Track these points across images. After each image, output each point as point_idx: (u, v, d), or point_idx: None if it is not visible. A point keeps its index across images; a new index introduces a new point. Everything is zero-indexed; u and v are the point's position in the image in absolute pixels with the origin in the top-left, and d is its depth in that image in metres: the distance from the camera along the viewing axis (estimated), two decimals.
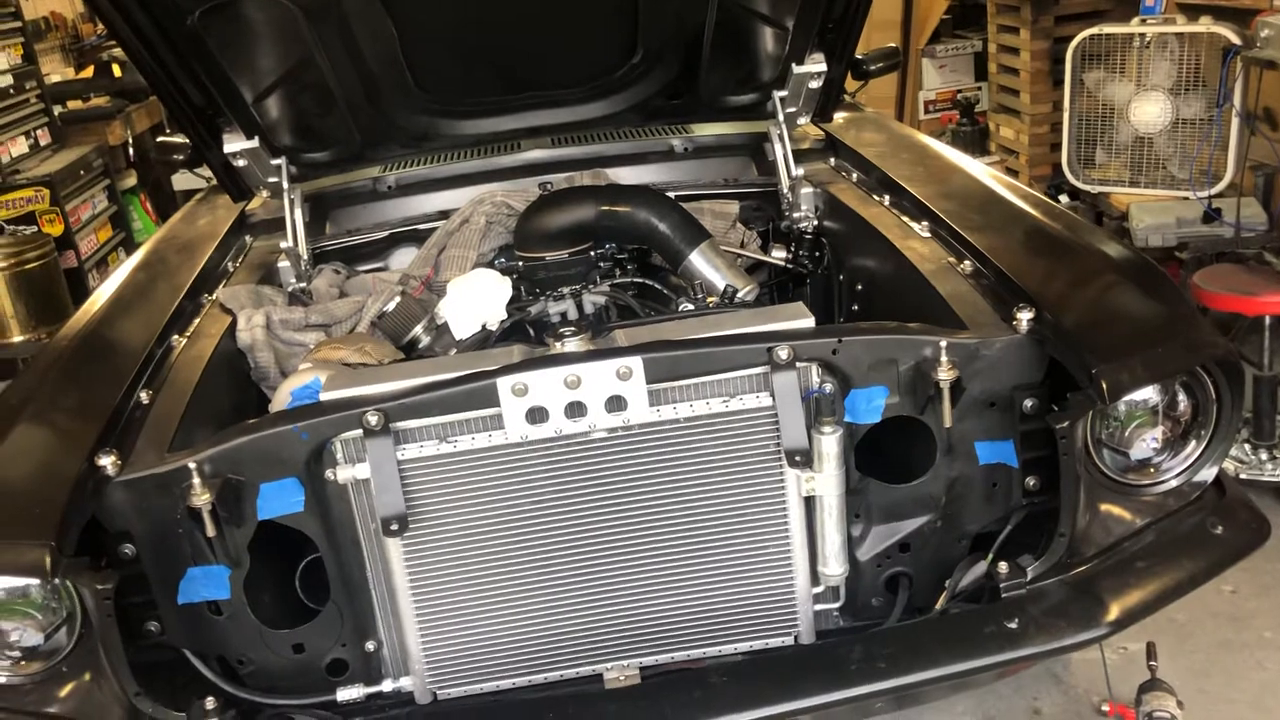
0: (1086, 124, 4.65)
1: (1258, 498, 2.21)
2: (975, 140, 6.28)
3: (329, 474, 1.94)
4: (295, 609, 2.11)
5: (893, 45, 3.96)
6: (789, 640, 2.08)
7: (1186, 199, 4.23)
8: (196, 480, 1.84)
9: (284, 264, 2.96)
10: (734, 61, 3.17)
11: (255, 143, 2.93)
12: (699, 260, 2.79)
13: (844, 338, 1.98)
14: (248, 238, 3.18)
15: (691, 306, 2.62)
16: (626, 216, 2.85)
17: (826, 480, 1.96)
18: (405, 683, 2.05)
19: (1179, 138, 4.37)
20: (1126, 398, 2.05)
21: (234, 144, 2.91)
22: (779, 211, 3.12)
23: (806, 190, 3.02)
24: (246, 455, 1.91)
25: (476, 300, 2.73)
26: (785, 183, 3.07)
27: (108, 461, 1.91)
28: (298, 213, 3.01)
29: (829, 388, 1.97)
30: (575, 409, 1.91)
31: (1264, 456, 3.53)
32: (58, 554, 1.75)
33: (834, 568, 2.04)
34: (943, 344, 1.94)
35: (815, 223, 3.02)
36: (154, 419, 2.12)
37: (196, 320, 2.58)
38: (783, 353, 1.91)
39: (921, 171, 2.86)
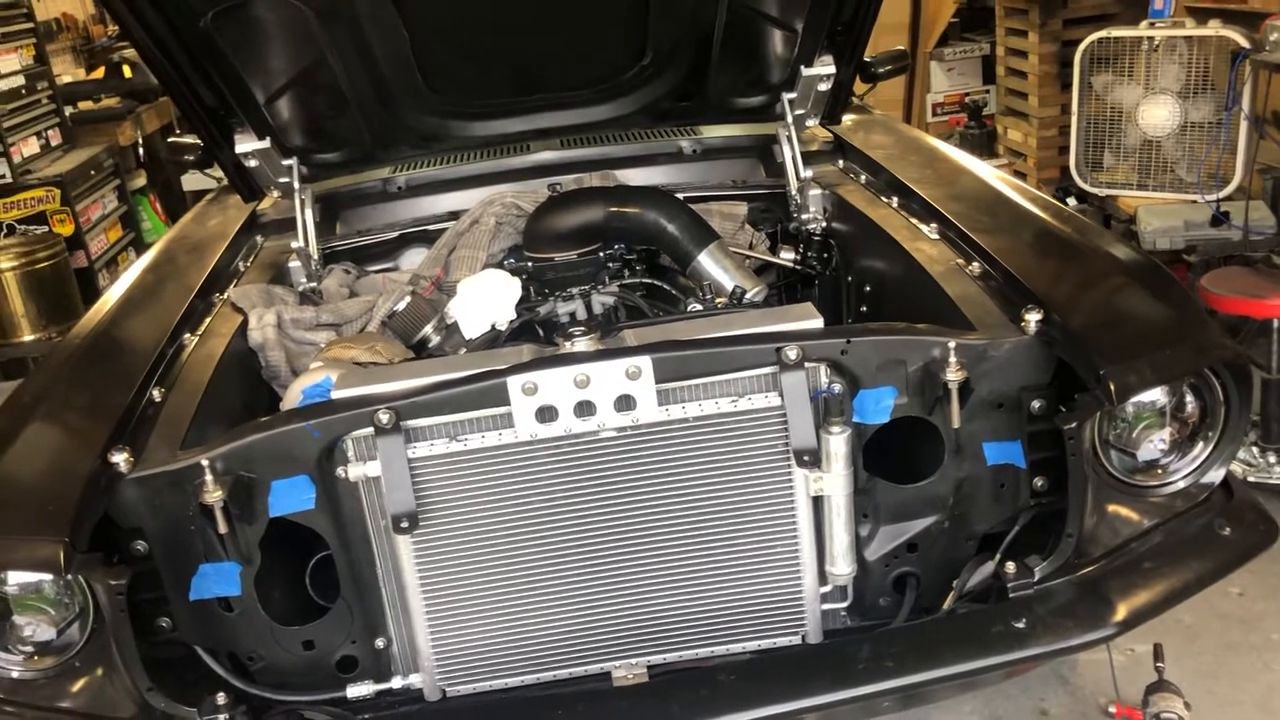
0: (1095, 127, 4.64)
1: (1265, 500, 2.20)
2: (983, 143, 6.26)
3: (340, 471, 1.95)
4: (305, 606, 2.12)
5: (901, 48, 3.95)
6: (796, 639, 2.09)
7: (1194, 202, 4.23)
8: (209, 477, 1.84)
9: (295, 264, 2.97)
10: (743, 64, 3.17)
11: (266, 143, 2.95)
12: (708, 261, 2.80)
13: (852, 338, 1.99)
14: (258, 238, 3.20)
15: (700, 307, 2.62)
16: (635, 217, 2.87)
17: (835, 480, 1.97)
18: (415, 680, 2.06)
19: (1187, 141, 4.37)
20: (1134, 399, 2.05)
21: (245, 144, 2.93)
22: (787, 213, 3.13)
23: (815, 192, 3.02)
24: (258, 453, 1.93)
25: (486, 300, 2.74)
26: (794, 184, 3.08)
27: (120, 459, 1.93)
28: (308, 213, 3.03)
29: (837, 388, 1.97)
30: (584, 408, 1.92)
31: (1272, 459, 3.53)
32: (71, 550, 1.76)
33: (842, 567, 2.04)
34: (951, 345, 1.94)
35: (824, 224, 3.02)
36: (166, 417, 2.14)
37: (208, 319, 2.60)
38: (791, 353, 1.92)
39: (930, 174, 2.87)
